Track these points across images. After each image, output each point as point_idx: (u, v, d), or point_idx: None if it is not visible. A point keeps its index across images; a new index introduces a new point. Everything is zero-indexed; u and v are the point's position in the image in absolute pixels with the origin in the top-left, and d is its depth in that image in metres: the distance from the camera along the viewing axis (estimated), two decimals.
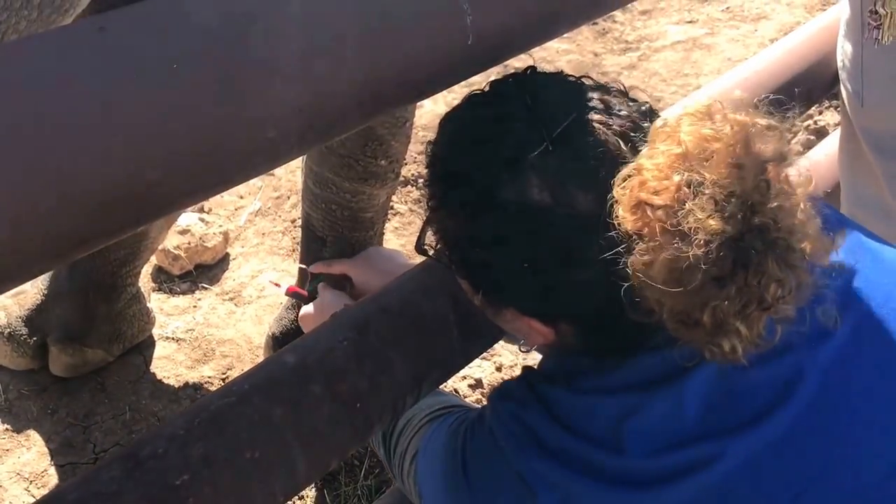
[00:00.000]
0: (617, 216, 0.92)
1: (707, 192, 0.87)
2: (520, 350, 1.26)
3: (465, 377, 2.28)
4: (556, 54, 3.56)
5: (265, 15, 0.87)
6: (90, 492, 0.98)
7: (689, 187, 0.88)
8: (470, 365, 1.69)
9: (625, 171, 0.94)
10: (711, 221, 0.86)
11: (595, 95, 1.01)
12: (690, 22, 3.91)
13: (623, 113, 1.00)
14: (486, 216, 1.00)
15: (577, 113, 0.98)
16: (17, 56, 0.78)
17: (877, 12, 1.56)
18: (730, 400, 0.99)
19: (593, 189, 0.95)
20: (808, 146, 2.85)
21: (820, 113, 3.12)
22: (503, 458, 1.08)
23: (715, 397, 0.99)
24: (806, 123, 3.13)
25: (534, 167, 0.96)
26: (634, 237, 0.91)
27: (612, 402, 1.02)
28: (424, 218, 1.10)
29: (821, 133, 2.97)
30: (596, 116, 0.98)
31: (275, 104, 0.87)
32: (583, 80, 1.04)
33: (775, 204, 0.88)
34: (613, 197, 0.93)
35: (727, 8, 4.03)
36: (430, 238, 1.12)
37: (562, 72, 1.06)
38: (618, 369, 1.04)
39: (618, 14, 3.85)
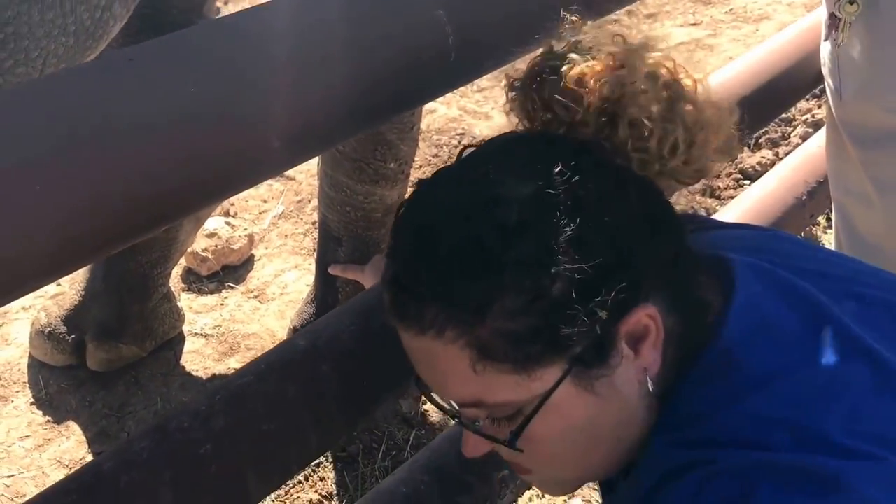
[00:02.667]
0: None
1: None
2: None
3: None
4: None
5: (267, 48, 1.00)
6: (123, 461, 1.10)
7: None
8: None
9: None
10: None
11: None
12: (694, 24, 4.02)
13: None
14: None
15: None
16: (65, 83, 0.92)
17: (835, 16, 1.67)
18: None
19: None
20: (806, 138, 2.94)
21: (819, 107, 3.21)
22: None
23: None
24: (805, 117, 3.22)
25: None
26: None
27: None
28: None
29: (818, 126, 3.06)
30: None
31: (278, 118, 1.00)
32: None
33: None
34: None
35: (730, 10, 4.14)
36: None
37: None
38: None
39: (624, 18, 3.96)
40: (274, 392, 1.20)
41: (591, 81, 0.94)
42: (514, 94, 0.99)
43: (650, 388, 0.91)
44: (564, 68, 0.95)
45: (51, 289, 2.59)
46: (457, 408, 0.94)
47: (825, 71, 1.85)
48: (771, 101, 2.09)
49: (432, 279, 0.88)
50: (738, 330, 0.92)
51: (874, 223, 1.83)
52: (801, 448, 0.84)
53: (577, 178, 0.88)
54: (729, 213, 2.26)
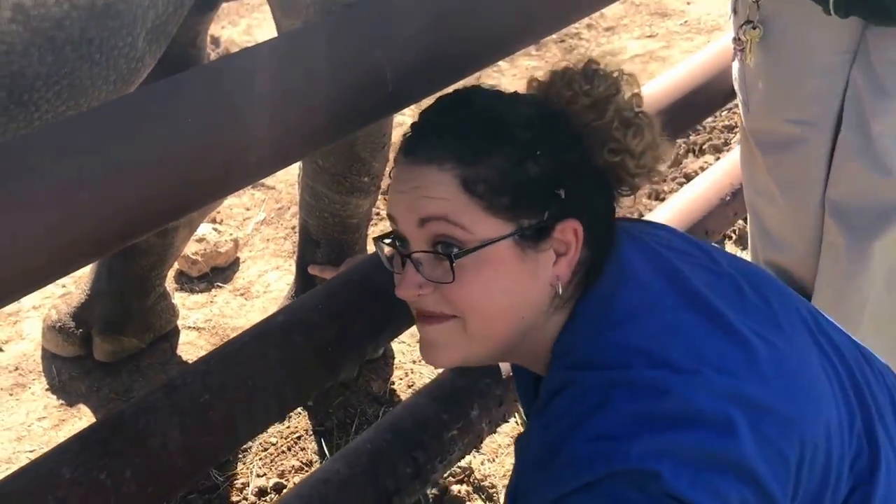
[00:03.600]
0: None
1: None
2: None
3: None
4: (526, 71, 3.93)
5: (246, 87, 1.26)
6: (141, 408, 1.36)
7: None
8: None
9: None
10: None
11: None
12: (650, 36, 4.21)
13: None
14: (538, 132, 1.21)
15: None
16: (93, 118, 1.21)
17: (739, 39, 1.87)
18: None
19: None
20: None
21: None
22: None
23: None
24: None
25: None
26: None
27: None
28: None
29: None
30: None
31: (253, 139, 1.27)
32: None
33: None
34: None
35: (685, 21, 4.32)
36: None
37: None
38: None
39: (584, 31, 4.17)
40: (258, 356, 1.46)
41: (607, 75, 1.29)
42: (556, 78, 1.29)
43: (559, 292, 1.21)
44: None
45: (57, 290, 2.83)
46: (415, 236, 1.21)
47: (736, 86, 2.05)
48: (688, 114, 2.35)
49: (456, 124, 1.21)
50: (613, 280, 1.22)
51: (778, 219, 2.04)
52: (651, 369, 1.12)
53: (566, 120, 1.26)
54: (664, 209, 2.50)
